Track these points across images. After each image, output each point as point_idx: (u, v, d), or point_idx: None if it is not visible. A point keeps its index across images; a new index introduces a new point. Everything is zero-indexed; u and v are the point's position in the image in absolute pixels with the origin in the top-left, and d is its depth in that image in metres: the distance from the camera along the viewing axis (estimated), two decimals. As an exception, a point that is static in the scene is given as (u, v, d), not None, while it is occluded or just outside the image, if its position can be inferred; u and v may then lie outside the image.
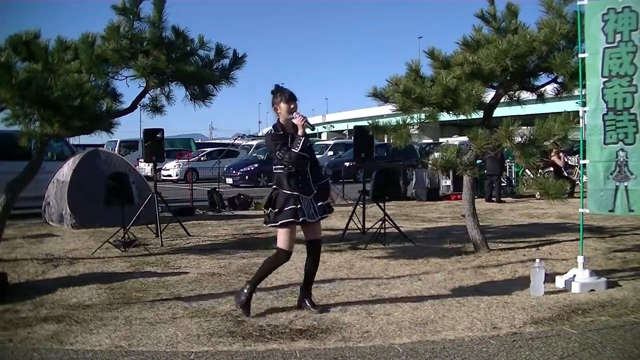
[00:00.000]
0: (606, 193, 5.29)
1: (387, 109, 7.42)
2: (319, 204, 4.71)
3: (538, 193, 11.21)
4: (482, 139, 6.45)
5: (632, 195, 5.17)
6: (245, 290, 4.72)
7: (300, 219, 4.56)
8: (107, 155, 10.95)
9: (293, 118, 4.59)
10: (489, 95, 7.19)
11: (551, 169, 15.90)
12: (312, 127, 4.72)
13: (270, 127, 4.80)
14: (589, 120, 5.36)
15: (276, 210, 4.57)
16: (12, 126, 5.78)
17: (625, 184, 5.19)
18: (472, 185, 7.43)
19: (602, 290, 5.27)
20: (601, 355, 3.77)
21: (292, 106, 4.62)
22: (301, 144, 4.50)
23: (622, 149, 5.18)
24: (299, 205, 4.55)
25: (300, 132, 4.55)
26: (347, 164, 21.25)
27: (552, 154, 15.35)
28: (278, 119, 4.69)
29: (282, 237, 4.62)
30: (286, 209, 4.54)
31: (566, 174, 16.34)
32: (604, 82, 5.22)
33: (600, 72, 5.23)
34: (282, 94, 4.64)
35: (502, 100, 7.42)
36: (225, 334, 4.26)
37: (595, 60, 5.27)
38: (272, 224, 4.63)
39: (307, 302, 4.82)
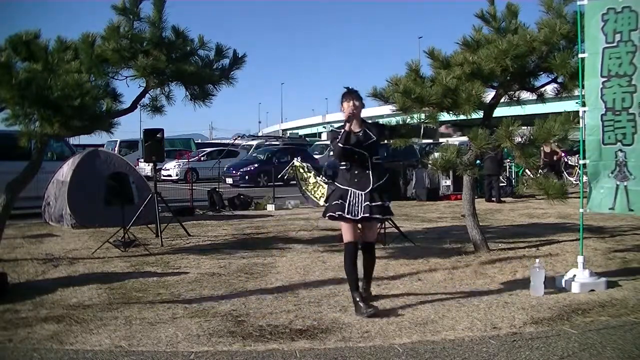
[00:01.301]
0: (607, 190, 5.29)
1: (387, 109, 7.42)
2: (366, 203, 4.62)
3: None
4: (482, 139, 6.45)
5: (632, 195, 5.16)
6: (358, 299, 4.64)
7: (337, 214, 4.66)
8: (107, 155, 10.93)
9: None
10: (489, 95, 7.18)
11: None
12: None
13: None
14: (589, 120, 5.36)
15: (326, 203, 4.82)
16: (12, 126, 5.79)
17: (625, 183, 5.19)
18: (472, 185, 7.43)
19: (602, 290, 5.26)
20: (601, 355, 3.77)
21: (349, 103, 4.76)
22: (340, 136, 4.67)
23: (620, 150, 5.18)
24: (341, 201, 4.67)
25: (346, 127, 4.67)
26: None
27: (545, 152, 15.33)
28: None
29: (342, 231, 4.80)
30: (332, 203, 4.75)
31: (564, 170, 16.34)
32: (603, 82, 5.21)
33: (600, 72, 5.23)
34: (345, 94, 4.83)
35: (502, 100, 7.42)
36: (225, 334, 4.26)
37: (595, 60, 5.27)
38: (323, 216, 4.91)
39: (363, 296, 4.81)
